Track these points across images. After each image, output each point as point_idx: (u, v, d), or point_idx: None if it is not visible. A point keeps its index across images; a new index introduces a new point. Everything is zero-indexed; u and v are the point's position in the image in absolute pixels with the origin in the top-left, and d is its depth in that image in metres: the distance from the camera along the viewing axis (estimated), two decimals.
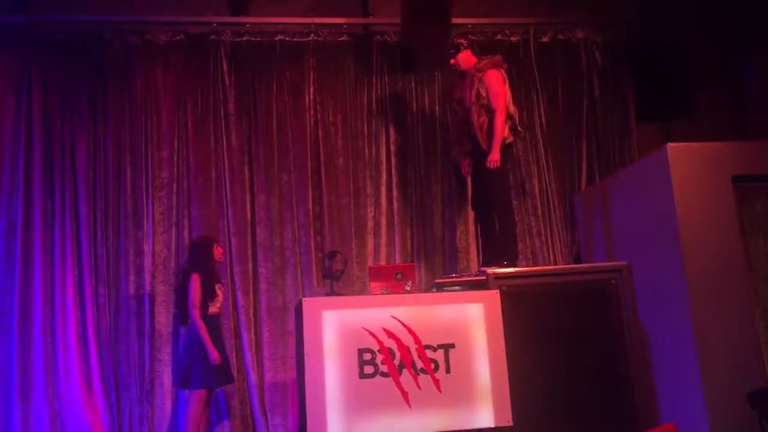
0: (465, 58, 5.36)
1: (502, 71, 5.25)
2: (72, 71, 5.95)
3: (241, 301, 5.86)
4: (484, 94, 5.15)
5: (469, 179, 5.65)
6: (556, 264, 6.18)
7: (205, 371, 4.85)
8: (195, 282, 4.95)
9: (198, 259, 5.08)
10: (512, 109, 5.22)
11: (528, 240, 6.30)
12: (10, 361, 5.47)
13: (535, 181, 6.44)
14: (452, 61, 5.39)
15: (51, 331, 5.60)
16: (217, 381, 4.95)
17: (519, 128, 5.32)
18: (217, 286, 5.11)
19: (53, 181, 5.81)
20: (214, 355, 4.83)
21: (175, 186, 5.98)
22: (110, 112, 5.97)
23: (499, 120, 5.07)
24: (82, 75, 5.96)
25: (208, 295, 4.99)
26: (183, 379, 4.96)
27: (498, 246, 5.17)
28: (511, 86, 6.25)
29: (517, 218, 6.03)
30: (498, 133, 5.07)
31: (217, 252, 5.22)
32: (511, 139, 5.23)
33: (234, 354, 5.76)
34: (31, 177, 5.76)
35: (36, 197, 5.73)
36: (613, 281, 4.73)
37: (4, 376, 5.45)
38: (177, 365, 5.29)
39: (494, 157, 5.03)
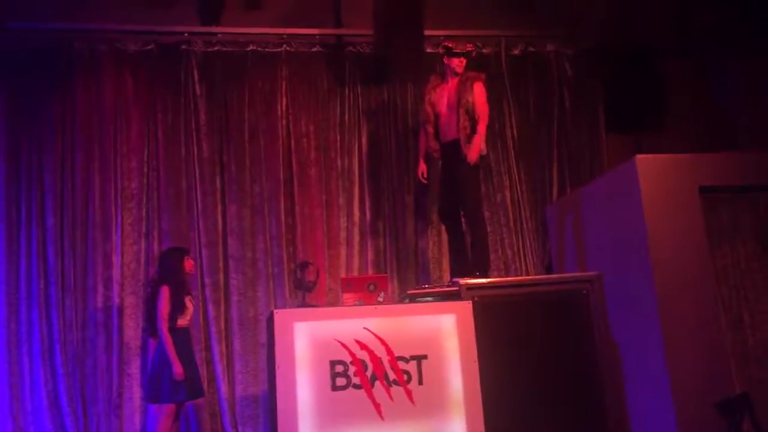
0: (463, 64, 5.41)
1: (485, 90, 5.36)
2: (40, 80, 5.86)
3: (212, 313, 5.81)
4: (471, 101, 5.21)
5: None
6: (528, 275, 6.21)
7: (174, 385, 4.78)
8: (164, 294, 4.90)
9: (168, 271, 5.02)
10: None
11: (500, 251, 6.34)
12: None
13: (507, 193, 6.48)
14: (459, 62, 5.37)
15: (16, 345, 5.50)
16: (187, 395, 4.89)
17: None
18: (187, 299, 5.05)
19: (19, 190, 5.72)
20: (177, 369, 4.77)
21: (144, 196, 5.93)
22: (79, 121, 5.90)
23: (484, 125, 5.17)
24: (51, 84, 5.88)
25: (177, 308, 4.93)
26: (152, 393, 4.90)
27: (472, 256, 5.20)
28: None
29: (489, 229, 6.07)
30: (481, 138, 5.13)
31: (188, 264, 5.17)
32: (485, 151, 5.31)
33: (205, 366, 5.70)
34: None
35: (1, 207, 5.64)
36: (584, 291, 4.75)
37: None
38: (146, 379, 5.22)
39: (475, 155, 5.07)
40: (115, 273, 5.73)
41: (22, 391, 5.44)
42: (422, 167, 5.56)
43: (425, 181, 5.57)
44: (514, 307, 4.69)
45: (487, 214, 6.28)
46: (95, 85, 5.98)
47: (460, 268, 5.26)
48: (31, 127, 5.81)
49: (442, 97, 5.41)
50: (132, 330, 5.64)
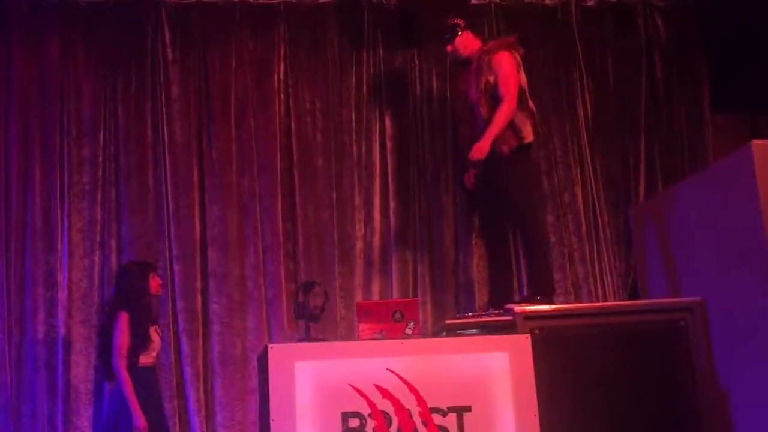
0: (465, 42, 5.45)
1: (516, 55, 5.31)
2: None
3: (186, 349, 5.83)
4: (492, 81, 5.20)
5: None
6: (605, 299, 6.19)
7: None
8: (122, 323, 4.92)
9: (127, 292, 5.05)
10: (531, 103, 5.28)
11: (568, 268, 6.31)
12: None
13: (578, 191, 6.47)
14: (449, 48, 5.48)
15: None
16: None
17: (539, 128, 5.36)
18: (152, 329, 5.08)
19: None
20: (140, 422, 4.79)
21: (99, 195, 5.99)
22: (14, 93, 5.97)
23: (506, 107, 5.09)
24: None
25: (140, 340, 4.95)
26: None
27: (529, 276, 5.19)
28: (546, 64, 6.28)
29: (553, 239, 6.03)
30: (500, 120, 5.06)
31: (154, 283, 5.20)
32: (530, 138, 5.26)
33: (177, 419, 5.73)
34: None
35: None
36: (682, 322, 4.71)
37: None
38: None
39: (483, 146, 5.02)
40: (61, 295, 5.77)
41: None
42: (469, 174, 5.52)
43: (471, 188, 5.56)
44: (586, 343, 4.66)
45: (550, 218, 6.26)
46: (36, 48, 6.04)
47: (500, 296, 5.26)
48: None
49: (467, 85, 5.45)
50: (82, 369, 5.67)
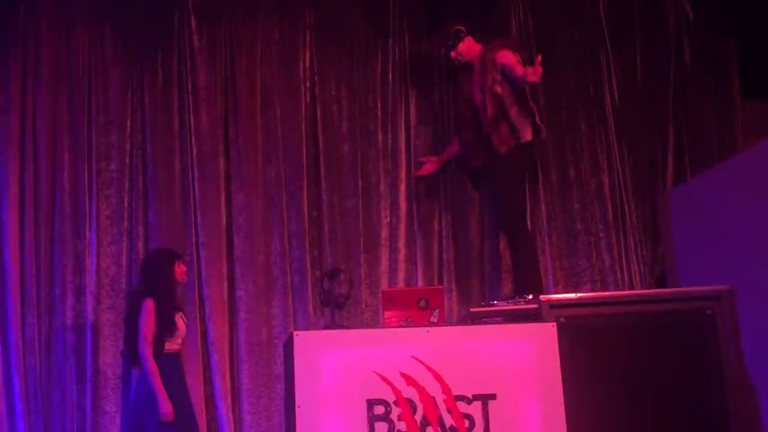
0: (468, 47, 5.61)
1: (517, 54, 5.45)
2: None
3: (212, 335, 5.86)
4: (499, 78, 5.32)
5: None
6: (632, 288, 6.15)
7: (162, 428, 4.84)
8: (148, 310, 4.95)
9: (153, 279, 5.08)
10: (531, 103, 5.43)
11: (595, 256, 6.27)
12: None
13: (605, 178, 6.42)
14: (453, 54, 5.65)
15: None
16: None
17: (539, 124, 5.44)
18: (177, 316, 5.11)
19: None
20: (165, 408, 4.82)
21: (127, 182, 6.01)
22: (43, 82, 6.00)
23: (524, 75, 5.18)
24: (9, 32, 6.00)
25: (165, 327, 4.98)
26: None
27: (517, 278, 5.40)
28: (573, 51, 6.24)
29: (579, 227, 6.03)
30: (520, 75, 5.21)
31: (179, 271, 5.22)
32: (528, 138, 5.37)
33: (203, 405, 5.76)
34: None
35: None
36: (710, 311, 4.69)
37: None
38: (128, 419, 5.29)
39: (537, 69, 5.07)
40: (89, 281, 5.82)
41: None
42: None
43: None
44: (612, 331, 4.65)
45: (576, 206, 6.24)
46: (64, 37, 6.07)
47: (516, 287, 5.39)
48: None
49: (471, 89, 5.59)
50: (110, 355, 5.70)
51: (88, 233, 5.89)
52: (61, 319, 5.78)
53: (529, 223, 5.97)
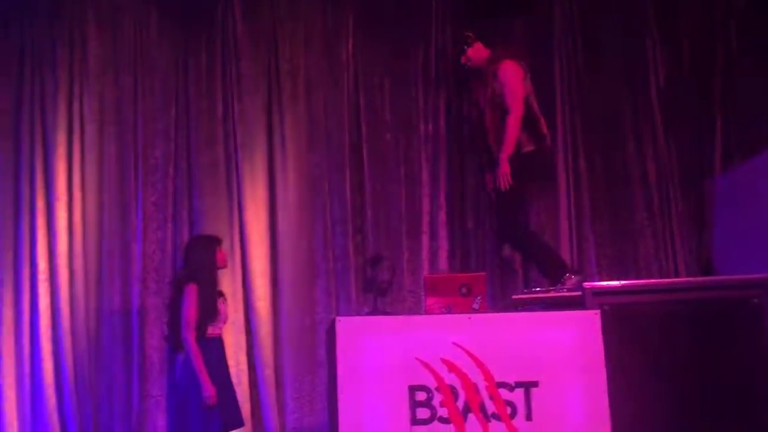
0: (476, 52, 5.53)
1: (522, 63, 5.37)
2: (41, 16, 6.05)
3: (255, 321, 5.91)
4: (498, 91, 5.27)
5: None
6: (677, 276, 6.09)
7: (206, 411, 4.89)
8: (190, 295, 4.98)
9: (195, 265, 5.11)
10: (536, 108, 5.34)
11: (639, 243, 6.21)
12: None
13: (650, 166, 6.34)
14: (463, 59, 5.58)
15: (16, 356, 5.72)
16: (221, 425, 4.98)
17: (544, 132, 5.37)
18: (219, 301, 5.14)
19: (18, 156, 5.93)
20: (209, 392, 4.86)
21: (171, 168, 6.08)
22: (91, 69, 6.07)
23: (513, 119, 5.17)
24: (57, 19, 6.07)
25: (208, 312, 5.01)
26: (178, 422, 5.01)
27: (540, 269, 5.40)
28: (618, 37, 6.16)
29: (624, 215, 6.00)
30: (510, 135, 5.16)
31: (221, 256, 5.25)
32: (531, 147, 5.27)
33: (247, 390, 5.82)
34: None
35: None
36: (755, 299, 4.61)
37: None
38: (173, 403, 5.34)
39: (504, 170, 5.13)
40: (135, 266, 5.89)
41: (21, 415, 5.67)
42: (488, 181, 5.60)
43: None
44: (657, 319, 4.60)
45: (621, 194, 6.24)
46: (110, 23, 6.14)
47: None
48: (33, 77, 6.00)
49: (477, 95, 5.56)
50: (156, 339, 5.78)
51: (134, 219, 5.96)
52: (108, 305, 5.86)
53: (527, 225, 5.93)
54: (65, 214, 5.89)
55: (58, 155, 5.94)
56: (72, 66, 6.05)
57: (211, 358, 4.96)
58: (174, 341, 5.11)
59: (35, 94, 5.99)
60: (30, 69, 6.01)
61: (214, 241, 5.29)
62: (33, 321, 5.77)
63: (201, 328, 4.98)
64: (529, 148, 5.27)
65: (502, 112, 5.24)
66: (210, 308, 5.02)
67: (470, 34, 5.59)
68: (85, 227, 5.93)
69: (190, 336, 4.92)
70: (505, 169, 5.12)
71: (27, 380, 5.70)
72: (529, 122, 5.28)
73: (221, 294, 5.25)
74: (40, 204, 5.89)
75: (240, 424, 5.20)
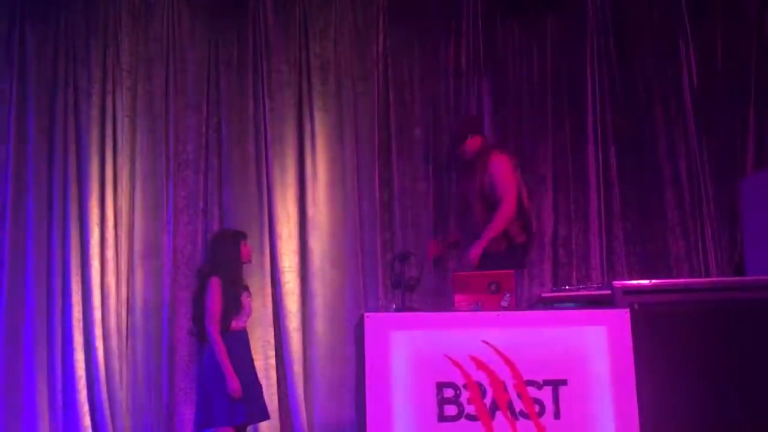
0: (472, 145, 5.27)
1: (510, 156, 5.23)
2: (80, 12, 6.11)
3: (284, 316, 5.94)
4: (487, 183, 5.09)
5: None
6: (708, 275, 6.07)
7: (230, 404, 4.90)
8: (215, 289, 4.97)
9: (220, 258, 5.10)
10: (526, 203, 5.20)
11: (670, 242, 6.18)
12: None
13: (682, 163, 6.32)
14: (460, 150, 5.34)
15: (47, 344, 5.79)
16: (246, 417, 4.98)
17: (533, 229, 5.30)
18: (243, 295, 5.14)
19: (52, 152, 5.99)
20: (234, 385, 4.86)
21: (203, 164, 6.12)
22: (124, 62, 6.12)
23: (505, 209, 5.00)
24: (91, 16, 6.12)
25: (232, 305, 5.00)
26: (204, 414, 5.01)
27: None
28: (651, 34, 6.11)
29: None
30: (498, 223, 5.00)
31: (245, 251, 5.23)
32: (521, 239, 5.16)
33: (276, 385, 5.86)
34: (24, 147, 5.96)
35: (29, 173, 5.93)
36: None
37: None
38: (199, 396, 5.35)
39: (474, 253, 4.97)
40: (166, 260, 5.94)
41: (52, 400, 5.74)
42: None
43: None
44: (688, 319, 4.54)
45: (652, 191, 6.29)
46: (143, 19, 6.19)
47: None
48: (67, 72, 6.06)
49: (469, 183, 5.31)
50: (185, 333, 5.79)
51: (165, 213, 6.01)
52: (139, 298, 5.91)
53: None
54: (97, 210, 5.95)
55: (91, 150, 6.00)
56: (105, 61, 6.10)
57: (235, 351, 4.95)
58: (198, 334, 5.12)
59: (69, 90, 6.05)
60: (64, 65, 6.06)
61: (240, 236, 5.27)
62: (65, 312, 5.84)
63: (225, 321, 4.97)
64: (521, 239, 5.15)
65: (492, 204, 5.07)
66: (234, 302, 5.02)
67: (467, 126, 5.39)
68: (116, 221, 5.98)
69: (214, 329, 4.91)
70: (476, 252, 4.96)
71: (58, 371, 5.76)
72: (521, 214, 5.14)
73: (246, 288, 5.25)
74: (73, 197, 5.95)
75: (265, 416, 5.18)
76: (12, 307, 5.77)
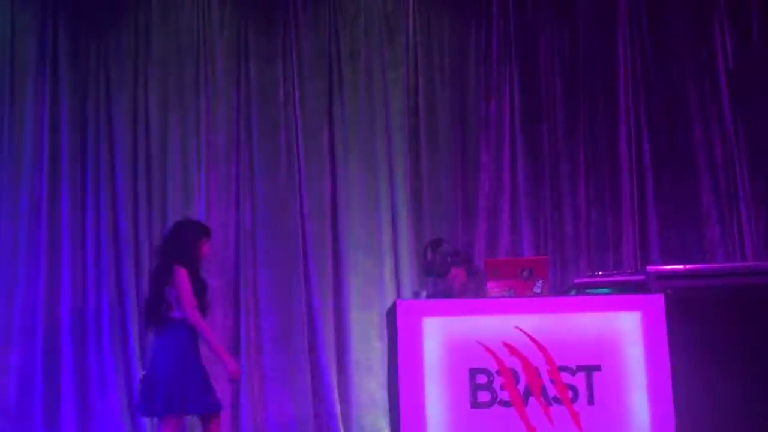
0: (455, 275, 5.13)
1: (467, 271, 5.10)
2: (111, 4, 6.16)
3: (317, 304, 5.98)
4: None
5: None
6: (744, 260, 6.01)
7: (177, 393, 4.58)
8: (183, 277, 4.69)
9: (183, 247, 4.83)
10: None
11: (704, 226, 6.14)
12: (34, 374, 5.75)
13: (717, 147, 6.27)
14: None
15: (82, 336, 5.86)
16: (195, 406, 4.64)
17: None
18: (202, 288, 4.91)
19: (85, 144, 6.05)
20: (232, 365, 4.70)
21: (234, 154, 6.15)
22: (154, 55, 6.16)
23: None
24: (120, 9, 6.17)
25: (197, 296, 4.76)
26: (147, 403, 4.64)
27: None
28: (685, 16, 6.11)
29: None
30: None
31: (204, 248, 4.96)
32: None
33: (310, 372, 5.90)
34: (58, 141, 6.02)
35: (64, 167, 5.99)
36: None
37: (27, 392, 5.74)
38: (146, 383, 4.81)
39: None
40: None
41: (90, 389, 5.81)
42: None
43: None
44: (723, 304, 4.52)
45: (685, 176, 6.25)
46: (174, 11, 6.21)
47: None
48: (99, 62, 6.10)
49: None
50: (218, 319, 5.84)
51: (197, 204, 6.04)
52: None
53: None
54: (131, 202, 5.99)
55: (123, 142, 6.05)
56: (137, 54, 6.14)
57: (187, 341, 4.71)
58: (155, 319, 4.79)
59: (101, 82, 6.09)
60: (96, 58, 6.11)
61: (205, 232, 4.99)
62: (100, 299, 5.90)
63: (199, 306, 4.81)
64: None
65: None
66: (197, 293, 4.88)
67: (454, 258, 5.18)
68: (150, 210, 6.03)
69: (195, 314, 4.68)
70: None
71: (93, 361, 5.84)
72: None
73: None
74: (107, 189, 6.00)
75: (216, 407, 4.83)
76: (50, 297, 5.84)
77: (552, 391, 4.24)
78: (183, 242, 4.83)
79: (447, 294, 4.98)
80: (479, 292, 4.83)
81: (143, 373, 5.00)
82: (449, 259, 5.04)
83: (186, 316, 4.67)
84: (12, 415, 5.68)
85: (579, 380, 4.25)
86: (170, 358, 4.65)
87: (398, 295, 5.91)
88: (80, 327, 5.87)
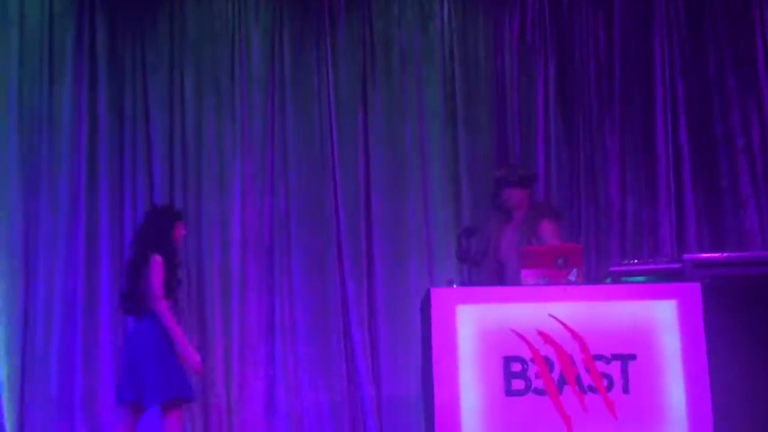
0: (520, 196, 5.17)
1: (558, 226, 5.13)
2: None
3: (351, 292, 6.01)
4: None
5: None
6: None
7: (162, 381, 4.70)
8: (158, 266, 4.77)
9: (158, 235, 4.89)
10: None
11: (742, 214, 6.08)
12: (74, 363, 5.83)
13: (755, 133, 6.21)
14: (504, 195, 5.17)
15: (121, 325, 5.88)
16: (177, 393, 4.76)
17: None
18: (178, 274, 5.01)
19: (122, 131, 6.10)
20: (195, 358, 4.77)
21: (269, 140, 6.17)
22: (189, 42, 6.19)
23: None
24: None
25: (172, 284, 4.87)
26: (134, 390, 4.74)
27: None
28: (724, 1, 6.02)
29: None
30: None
31: (179, 232, 5.03)
32: None
33: (344, 360, 5.94)
34: (96, 129, 6.07)
35: (101, 155, 6.04)
36: None
37: (67, 381, 5.83)
38: (126, 372, 4.95)
39: None
40: (234, 235, 6.02)
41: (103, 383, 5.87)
42: None
43: None
44: (759, 292, 4.49)
45: (723, 163, 6.19)
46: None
47: None
48: (135, 48, 6.15)
49: (501, 240, 5.19)
50: (254, 305, 5.92)
51: (232, 190, 6.08)
52: (209, 271, 5.99)
53: None
54: (168, 188, 6.03)
55: (160, 127, 6.10)
56: (173, 39, 6.17)
57: (160, 328, 4.77)
58: (132, 309, 4.91)
59: (137, 68, 6.14)
60: (131, 43, 6.15)
61: (177, 216, 5.09)
62: None
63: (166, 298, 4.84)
64: None
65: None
66: (172, 281, 4.89)
67: (526, 176, 5.25)
68: (185, 195, 6.06)
69: (161, 305, 4.75)
70: None
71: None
72: None
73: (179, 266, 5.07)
74: (144, 175, 6.05)
75: (193, 396, 4.99)
76: (89, 286, 5.90)
77: (587, 380, 4.23)
78: (157, 229, 4.90)
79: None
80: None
81: (123, 362, 5.02)
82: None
83: (152, 306, 4.74)
84: (54, 402, 5.76)
85: (614, 369, 4.24)
86: (151, 346, 4.74)
87: (432, 282, 5.91)
88: (119, 316, 5.92)
